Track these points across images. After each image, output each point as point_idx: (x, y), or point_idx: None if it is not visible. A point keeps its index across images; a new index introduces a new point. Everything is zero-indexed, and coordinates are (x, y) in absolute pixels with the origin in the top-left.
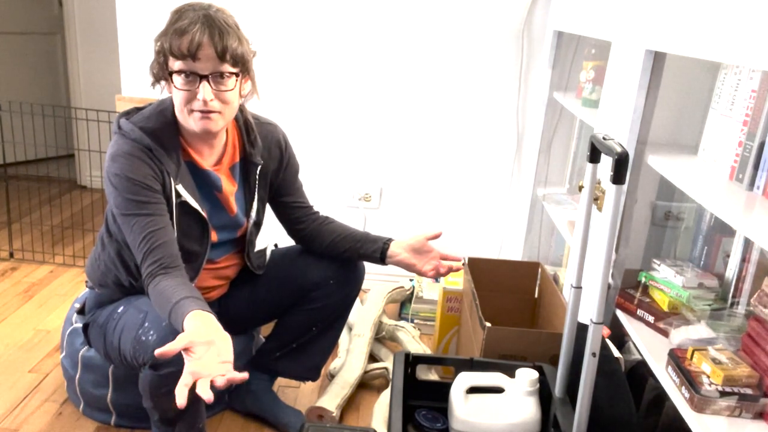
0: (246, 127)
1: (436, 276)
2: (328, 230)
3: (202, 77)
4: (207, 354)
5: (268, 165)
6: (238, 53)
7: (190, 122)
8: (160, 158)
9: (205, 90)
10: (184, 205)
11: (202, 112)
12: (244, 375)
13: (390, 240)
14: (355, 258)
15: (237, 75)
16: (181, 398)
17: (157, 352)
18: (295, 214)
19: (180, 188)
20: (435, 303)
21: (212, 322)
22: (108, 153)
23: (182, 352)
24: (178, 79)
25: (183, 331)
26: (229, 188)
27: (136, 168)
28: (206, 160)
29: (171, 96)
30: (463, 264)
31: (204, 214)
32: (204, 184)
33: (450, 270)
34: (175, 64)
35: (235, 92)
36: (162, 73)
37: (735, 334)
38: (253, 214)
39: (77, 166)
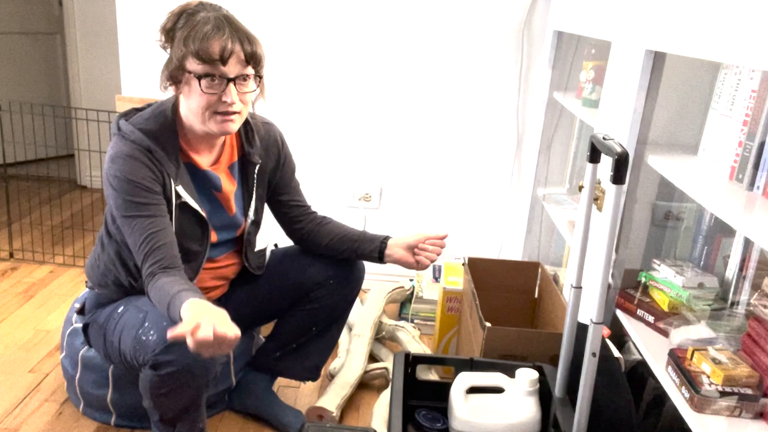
0: (244, 126)
1: (431, 262)
2: (326, 231)
3: (229, 80)
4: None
5: (266, 164)
6: (260, 56)
7: (210, 125)
8: (160, 160)
9: (232, 93)
10: (184, 206)
11: (225, 114)
12: (237, 332)
13: (387, 238)
14: (354, 258)
15: (258, 77)
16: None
17: (170, 335)
18: (292, 213)
19: (180, 189)
20: (435, 303)
21: (208, 306)
22: (107, 155)
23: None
24: (204, 83)
25: (181, 319)
26: (229, 187)
27: (136, 169)
28: (205, 160)
29: (171, 97)
30: (463, 264)
31: (204, 214)
32: (203, 184)
33: (437, 247)
34: (200, 68)
35: (252, 93)
36: (179, 77)
37: (735, 334)
38: (251, 213)
39: (77, 166)
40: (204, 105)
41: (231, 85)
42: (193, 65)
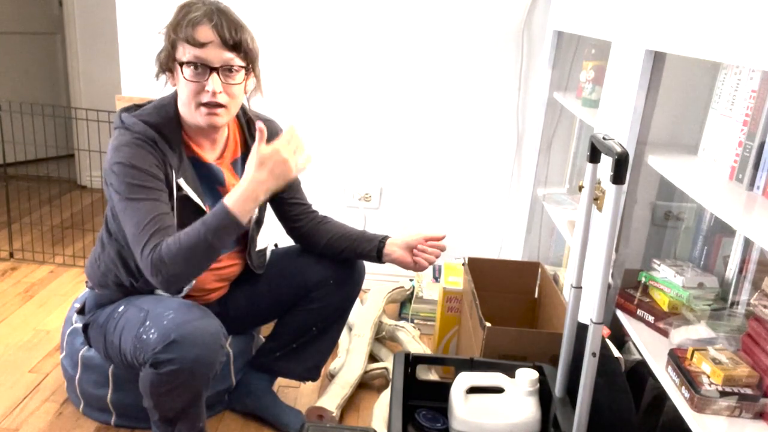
0: (247, 122)
1: (430, 264)
2: (325, 229)
3: (213, 69)
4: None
5: None
6: (249, 48)
7: (197, 117)
8: (164, 151)
9: (214, 82)
10: (185, 200)
11: (209, 106)
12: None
13: (386, 238)
14: (353, 257)
15: (246, 69)
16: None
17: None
18: (293, 210)
19: (182, 182)
20: (435, 303)
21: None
22: (110, 146)
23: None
24: (187, 71)
25: (237, 213)
26: (232, 182)
27: (141, 157)
28: (208, 154)
29: (172, 92)
30: (463, 264)
31: (205, 208)
32: (207, 178)
33: (437, 249)
34: (186, 56)
35: (242, 87)
36: (169, 64)
37: (735, 334)
38: (256, 209)
39: (77, 166)
40: (190, 94)
41: (214, 74)
42: (179, 53)
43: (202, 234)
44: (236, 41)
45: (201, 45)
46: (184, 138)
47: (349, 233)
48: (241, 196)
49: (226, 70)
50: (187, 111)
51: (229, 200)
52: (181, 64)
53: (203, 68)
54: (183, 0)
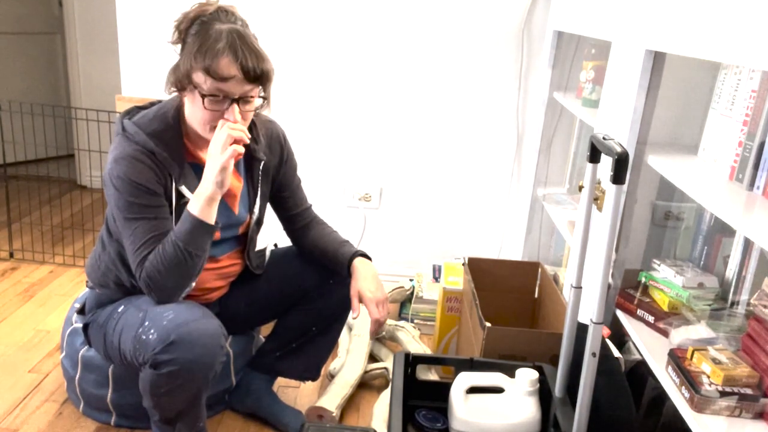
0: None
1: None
2: (310, 240)
3: (233, 100)
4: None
5: (270, 161)
6: (269, 77)
7: (210, 136)
8: (164, 162)
9: (235, 112)
10: (187, 206)
11: None
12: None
13: (353, 262)
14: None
15: (263, 98)
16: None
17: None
18: (293, 210)
19: (183, 189)
20: (435, 303)
21: None
22: (111, 155)
23: None
24: (206, 101)
25: (196, 214)
26: (235, 184)
27: (140, 172)
28: None
29: (175, 97)
30: (463, 264)
31: None
32: None
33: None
34: (206, 85)
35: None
36: (184, 84)
37: (735, 334)
38: (256, 210)
39: (77, 166)
40: (206, 119)
41: (234, 104)
42: (199, 79)
43: (175, 241)
44: (258, 74)
45: (224, 79)
46: (185, 143)
47: (326, 251)
48: (196, 197)
49: (246, 98)
50: (200, 129)
51: (191, 205)
52: (203, 96)
53: (225, 99)
54: (177, 4)
